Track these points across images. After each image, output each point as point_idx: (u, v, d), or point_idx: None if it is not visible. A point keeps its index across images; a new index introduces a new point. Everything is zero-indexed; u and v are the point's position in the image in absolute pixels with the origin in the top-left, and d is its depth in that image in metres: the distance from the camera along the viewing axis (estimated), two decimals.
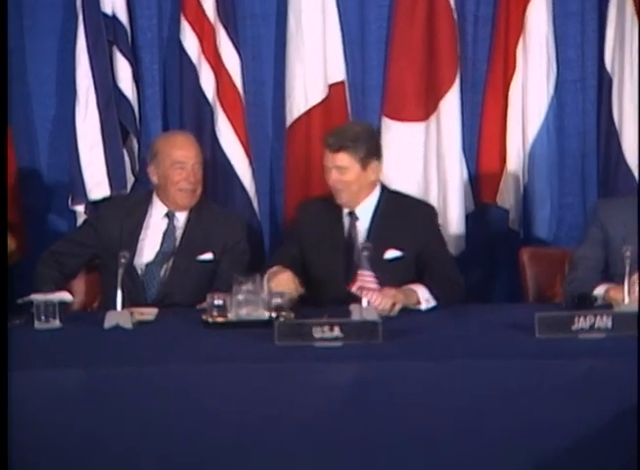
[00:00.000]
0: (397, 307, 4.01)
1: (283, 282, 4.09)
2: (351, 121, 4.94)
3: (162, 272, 4.49)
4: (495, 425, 3.32)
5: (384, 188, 4.50)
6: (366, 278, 3.90)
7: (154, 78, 5.29)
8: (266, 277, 4.11)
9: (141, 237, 4.53)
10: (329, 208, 4.47)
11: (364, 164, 4.36)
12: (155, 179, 4.56)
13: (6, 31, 5.02)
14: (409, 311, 4.07)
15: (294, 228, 4.57)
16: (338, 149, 4.35)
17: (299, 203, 4.75)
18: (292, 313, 3.87)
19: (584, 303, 3.92)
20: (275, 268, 4.19)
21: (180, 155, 4.53)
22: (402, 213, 4.43)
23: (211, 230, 4.54)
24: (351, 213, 4.42)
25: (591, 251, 4.31)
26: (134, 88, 5.18)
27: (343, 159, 4.35)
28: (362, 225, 4.41)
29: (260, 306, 3.85)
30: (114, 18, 5.12)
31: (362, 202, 4.42)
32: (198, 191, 4.56)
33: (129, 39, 5.18)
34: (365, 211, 4.42)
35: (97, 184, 5.08)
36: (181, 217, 4.56)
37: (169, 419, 3.30)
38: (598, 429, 3.30)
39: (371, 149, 4.39)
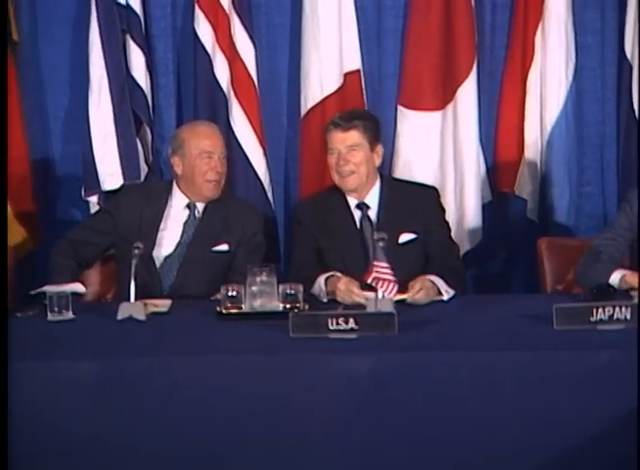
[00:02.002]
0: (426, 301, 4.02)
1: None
2: (355, 108, 4.89)
3: (180, 264, 4.47)
4: (513, 417, 3.30)
5: (382, 176, 4.49)
6: (381, 269, 3.88)
7: (167, 68, 5.28)
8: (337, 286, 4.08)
9: (161, 228, 4.50)
10: (331, 202, 4.45)
11: (372, 145, 4.37)
12: (179, 170, 4.53)
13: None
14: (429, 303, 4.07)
15: (301, 229, 4.50)
16: (349, 128, 4.35)
17: (296, 205, 4.76)
18: (306, 305, 3.86)
19: (603, 293, 3.90)
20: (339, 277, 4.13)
21: (208, 144, 4.51)
22: (407, 198, 4.43)
23: (229, 221, 4.52)
24: (360, 204, 4.40)
25: (614, 239, 4.28)
26: (148, 78, 5.16)
27: (355, 137, 4.35)
28: (372, 214, 4.40)
29: (275, 298, 3.84)
30: (128, 6, 5.11)
31: (370, 191, 4.40)
32: (222, 182, 4.55)
33: (143, 28, 5.17)
34: (373, 200, 4.41)
35: (110, 175, 5.08)
36: (201, 208, 4.54)
37: (182, 411, 3.28)
38: (617, 421, 3.27)
39: (377, 132, 4.41)
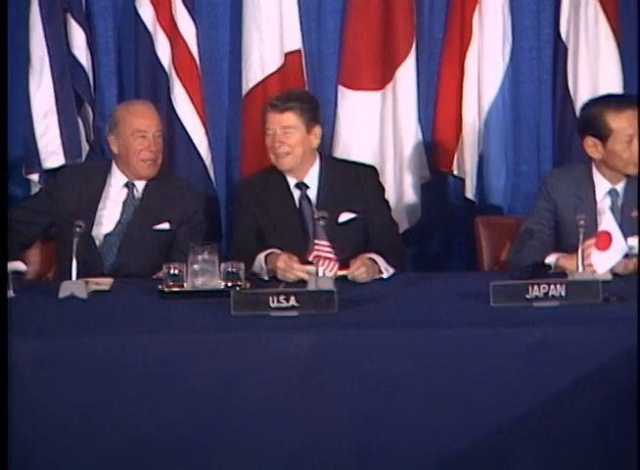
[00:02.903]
0: (367, 279, 4.02)
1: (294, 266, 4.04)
2: (295, 89, 4.89)
3: (120, 242, 4.46)
4: (452, 391, 3.34)
5: (322, 156, 4.50)
6: (322, 247, 3.89)
7: (108, 46, 5.25)
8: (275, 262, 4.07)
9: (100, 207, 4.49)
10: (271, 182, 4.44)
11: (309, 127, 4.37)
12: (115, 149, 4.51)
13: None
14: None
15: (241, 208, 4.50)
16: (284, 109, 4.35)
17: (239, 182, 4.78)
18: (248, 283, 3.86)
19: (538, 271, 3.94)
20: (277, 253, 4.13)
21: (142, 124, 4.49)
22: (346, 177, 4.43)
23: (169, 200, 4.51)
24: (299, 184, 4.41)
25: (540, 222, 4.34)
26: (89, 56, 5.13)
27: (290, 118, 4.34)
28: (311, 194, 4.41)
29: (216, 276, 3.83)
30: None
31: (309, 171, 4.41)
32: (159, 161, 4.53)
33: (84, 6, 5.14)
34: (312, 180, 4.42)
35: (51, 153, 5.04)
36: (140, 187, 4.52)
37: (122, 388, 3.29)
38: (552, 395, 3.32)
39: (315, 113, 4.40)
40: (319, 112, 4.45)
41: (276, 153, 4.36)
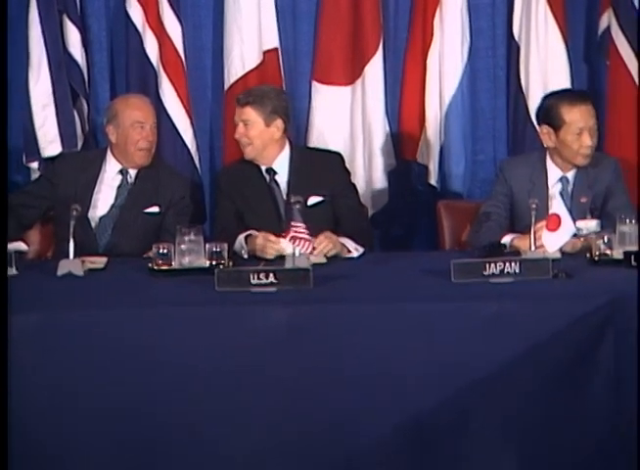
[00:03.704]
0: (332, 252, 4.02)
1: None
2: (264, 84, 4.87)
3: (114, 224, 4.44)
4: (417, 360, 3.34)
5: (292, 144, 4.49)
6: (298, 229, 3.88)
7: (101, 45, 5.22)
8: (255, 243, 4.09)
9: (95, 191, 4.46)
10: (248, 169, 4.43)
11: (268, 120, 4.35)
12: (113, 138, 4.48)
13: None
14: (339, 260, 4.07)
15: (221, 194, 4.51)
16: (245, 103, 4.36)
17: (219, 171, 4.80)
18: (230, 261, 3.84)
19: (495, 250, 3.95)
20: (255, 233, 4.13)
21: (140, 115, 4.47)
22: (315, 163, 4.43)
23: (159, 186, 4.49)
24: (269, 170, 4.40)
25: (496, 205, 4.35)
26: (83, 54, 5.09)
27: (249, 113, 4.35)
28: (282, 179, 4.40)
29: (202, 255, 3.82)
30: None
31: (277, 158, 4.40)
32: (153, 150, 4.52)
33: (78, 8, 5.10)
34: (281, 166, 4.40)
35: (50, 142, 5.01)
36: (133, 174, 4.50)
37: (117, 358, 3.28)
38: (507, 363, 3.33)
39: (277, 107, 4.37)
40: (283, 106, 4.41)
41: (240, 142, 4.39)
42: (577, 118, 4.23)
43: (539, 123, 4.37)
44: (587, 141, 4.22)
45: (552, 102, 4.33)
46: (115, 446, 3.29)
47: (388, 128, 5.20)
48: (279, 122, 4.37)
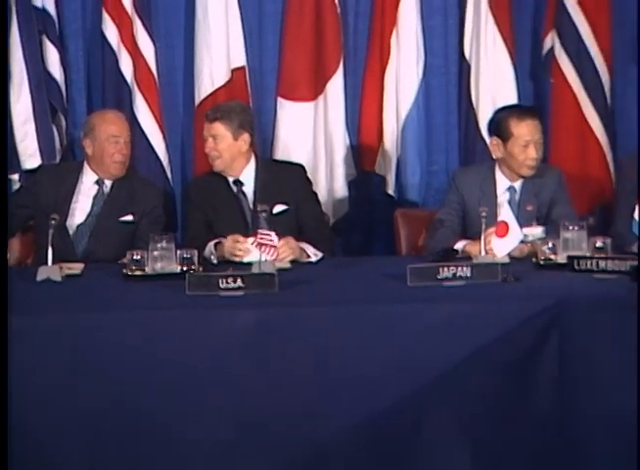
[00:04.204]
0: (290, 258, 4.01)
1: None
2: (230, 101, 4.85)
3: (90, 232, 4.41)
4: (375, 359, 3.33)
5: (257, 157, 4.48)
6: (264, 236, 3.87)
7: (79, 64, 5.16)
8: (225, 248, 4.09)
9: (73, 201, 4.43)
10: (216, 181, 4.41)
11: (236, 134, 4.33)
12: (90, 151, 4.46)
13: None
14: (301, 264, 4.05)
15: (191, 204, 4.50)
16: (213, 119, 4.34)
17: (189, 183, 4.79)
18: (200, 267, 3.83)
19: (448, 255, 3.95)
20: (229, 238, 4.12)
21: (115, 130, 4.45)
22: (279, 174, 4.41)
23: (133, 196, 4.47)
24: (236, 181, 4.39)
25: (449, 213, 4.35)
26: (62, 72, 5.04)
27: (218, 128, 4.33)
28: (248, 189, 4.38)
29: (173, 261, 3.81)
30: (44, 10, 4.97)
31: (243, 170, 4.38)
32: (127, 162, 4.50)
33: (57, 29, 5.04)
34: (248, 178, 4.39)
35: (30, 156, 4.95)
36: (109, 184, 4.47)
37: (93, 358, 3.26)
38: (459, 361, 3.33)
39: (243, 122, 4.36)
40: (249, 120, 4.41)
41: (209, 156, 4.37)
42: (524, 132, 4.24)
43: (490, 135, 4.39)
44: (532, 154, 4.23)
45: (502, 115, 4.35)
46: (91, 444, 3.28)
47: (348, 141, 5.19)
48: (246, 136, 4.36)
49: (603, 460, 2.36)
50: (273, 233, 3.90)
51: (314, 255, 4.12)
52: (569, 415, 3.14)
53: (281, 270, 3.75)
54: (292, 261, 4.02)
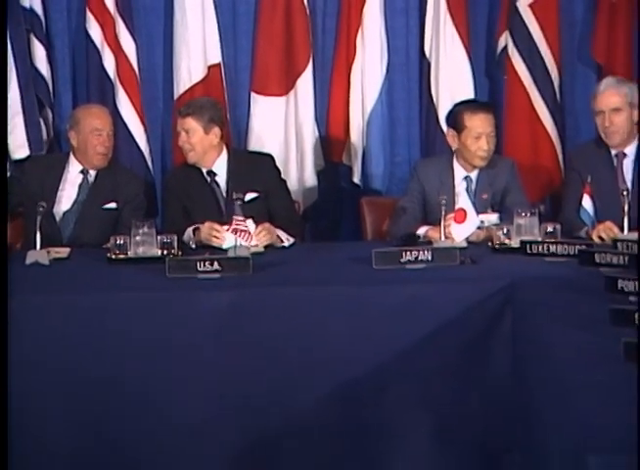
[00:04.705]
0: (267, 242, 4.00)
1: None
2: (202, 97, 4.81)
3: (76, 218, 4.37)
4: (342, 338, 3.34)
5: (229, 148, 4.45)
6: (239, 222, 3.86)
7: (64, 61, 5.09)
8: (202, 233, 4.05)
9: (60, 189, 4.38)
10: (192, 171, 4.38)
11: (207, 128, 4.29)
12: (75, 143, 4.42)
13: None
14: (274, 249, 4.04)
15: (169, 193, 4.46)
16: (185, 115, 4.31)
17: (167, 173, 4.78)
18: (179, 251, 3.81)
19: (410, 240, 3.95)
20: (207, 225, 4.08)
21: (99, 123, 4.41)
22: (249, 164, 4.38)
23: (116, 185, 4.42)
24: (210, 172, 4.36)
25: (411, 201, 4.35)
26: (48, 68, 4.98)
27: (190, 122, 4.30)
28: (221, 179, 4.35)
29: (154, 246, 3.79)
30: (32, 10, 4.91)
31: (216, 161, 4.35)
32: (110, 154, 4.45)
33: (44, 28, 4.98)
34: (220, 168, 4.35)
35: (18, 147, 4.88)
36: (93, 174, 4.43)
37: (78, 337, 3.26)
38: (422, 340, 3.35)
39: (213, 117, 4.32)
40: (219, 115, 4.38)
41: (183, 149, 4.35)
42: (477, 125, 4.24)
43: (447, 127, 4.39)
44: (484, 145, 4.23)
45: (458, 109, 4.36)
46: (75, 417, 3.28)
47: (317, 133, 5.17)
48: (216, 130, 4.33)
49: (552, 422, 2.39)
50: (250, 220, 3.90)
51: (287, 239, 4.10)
52: (520, 384, 3.15)
53: (255, 254, 3.74)
54: (265, 246, 4.00)
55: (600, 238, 3.89)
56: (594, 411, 2.21)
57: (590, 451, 1.99)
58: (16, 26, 4.87)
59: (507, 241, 3.86)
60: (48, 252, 3.81)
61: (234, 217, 3.86)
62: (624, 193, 3.95)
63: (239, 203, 3.91)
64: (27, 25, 4.92)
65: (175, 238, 3.82)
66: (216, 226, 4.02)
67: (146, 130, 5.05)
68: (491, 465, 3.39)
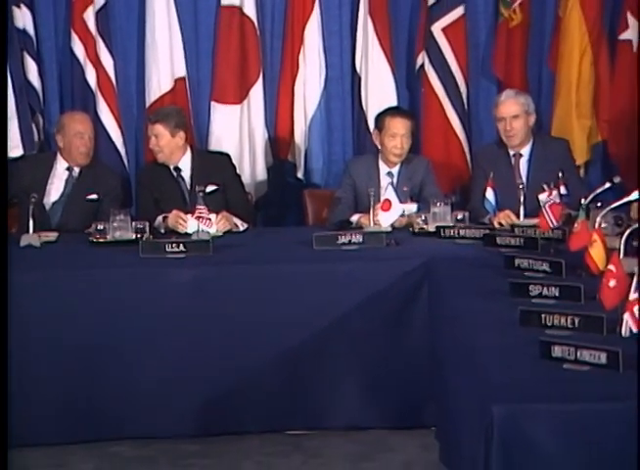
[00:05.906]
0: (227, 228, 3.96)
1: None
2: (168, 106, 4.71)
3: (63, 208, 4.29)
4: (287, 307, 3.35)
5: (192, 148, 4.40)
6: (202, 211, 3.82)
7: (53, 74, 4.96)
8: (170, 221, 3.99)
9: (49, 183, 4.31)
10: (161, 168, 4.30)
11: (173, 133, 4.23)
12: (61, 144, 4.35)
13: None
14: (231, 233, 3.98)
15: (141, 187, 4.39)
16: (155, 121, 4.25)
17: (139, 169, 4.71)
18: (151, 235, 3.77)
19: (345, 226, 3.96)
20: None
21: (81, 127, 4.34)
22: (210, 162, 4.33)
23: (97, 179, 4.34)
24: (176, 168, 4.30)
25: (345, 192, 4.33)
26: (39, 81, 4.86)
27: (158, 128, 4.23)
28: (186, 174, 4.29)
29: (130, 231, 3.77)
30: (25, 31, 4.80)
31: (181, 159, 4.29)
32: (91, 153, 4.37)
33: (35, 46, 4.86)
34: (185, 165, 4.30)
35: (14, 147, 4.74)
36: (77, 170, 4.36)
37: (65, 308, 3.26)
38: (355, 310, 3.37)
39: (178, 123, 4.27)
40: (183, 121, 4.33)
41: (153, 151, 4.29)
42: (394, 126, 4.24)
43: (374, 128, 4.40)
44: (398, 144, 4.23)
45: (382, 113, 4.38)
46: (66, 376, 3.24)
47: (267, 136, 5.11)
48: (181, 134, 4.27)
49: (462, 376, 2.42)
50: (214, 215, 3.86)
51: (242, 225, 4.07)
52: (435, 345, 3.17)
53: (215, 237, 3.71)
54: (226, 231, 3.95)
55: (500, 224, 3.93)
56: (495, 368, 2.22)
57: (493, 402, 1.99)
58: (11, 45, 4.76)
59: (425, 226, 3.87)
60: (39, 236, 3.79)
61: (197, 207, 3.83)
62: (520, 186, 4.01)
63: (201, 194, 3.87)
64: (21, 44, 4.80)
65: (147, 224, 3.80)
66: (182, 214, 3.97)
67: (122, 133, 4.96)
68: (413, 413, 3.43)
